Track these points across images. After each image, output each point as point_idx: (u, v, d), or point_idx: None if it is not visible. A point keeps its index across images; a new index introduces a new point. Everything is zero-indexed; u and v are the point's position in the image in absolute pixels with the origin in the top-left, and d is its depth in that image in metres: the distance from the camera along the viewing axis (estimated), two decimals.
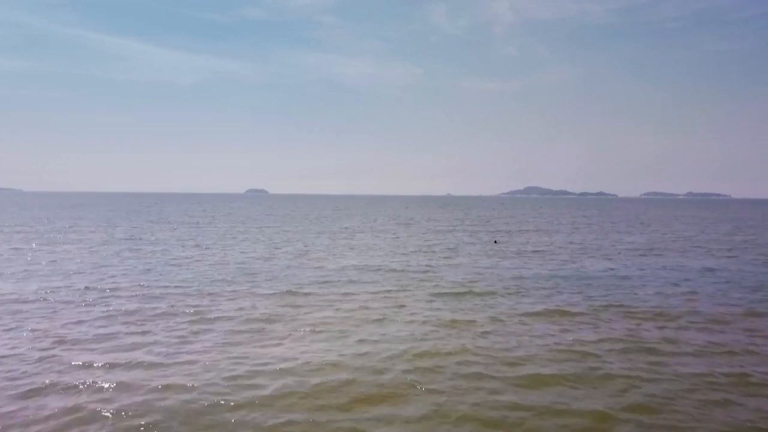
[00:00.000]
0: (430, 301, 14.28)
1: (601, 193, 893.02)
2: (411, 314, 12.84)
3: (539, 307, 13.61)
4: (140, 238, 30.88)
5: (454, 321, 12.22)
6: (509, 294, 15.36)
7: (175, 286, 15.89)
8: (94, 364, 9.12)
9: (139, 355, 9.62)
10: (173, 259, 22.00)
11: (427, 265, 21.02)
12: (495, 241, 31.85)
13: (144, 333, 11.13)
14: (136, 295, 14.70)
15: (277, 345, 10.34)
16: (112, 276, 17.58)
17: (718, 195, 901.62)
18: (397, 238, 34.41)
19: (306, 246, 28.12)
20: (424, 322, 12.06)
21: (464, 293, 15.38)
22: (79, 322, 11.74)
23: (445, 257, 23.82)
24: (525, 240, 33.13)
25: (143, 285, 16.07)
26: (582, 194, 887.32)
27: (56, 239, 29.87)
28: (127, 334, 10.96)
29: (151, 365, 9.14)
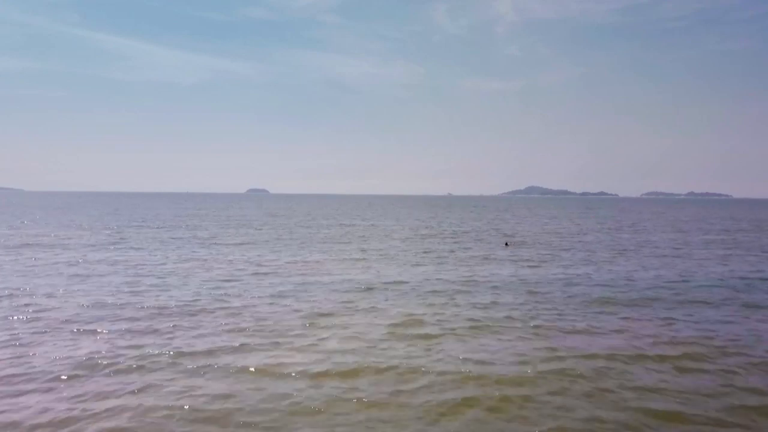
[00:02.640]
0: (472, 331, 11.72)
1: (602, 193, 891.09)
2: (447, 352, 10.29)
3: (606, 340, 11.07)
4: (123, 243, 28.32)
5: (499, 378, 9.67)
6: (569, 320, 12.80)
7: (155, 301, 13.38)
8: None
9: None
10: (155, 269, 19.48)
11: (465, 278, 18.45)
12: (506, 244, 30.32)
13: (112, 357, 8.66)
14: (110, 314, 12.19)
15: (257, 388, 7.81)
16: (79, 287, 15.07)
17: (719, 195, 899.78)
18: (415, 246, 31.87)
19: (311, 253, 25.55)
20: (473, 364, 9.52)
21: (511, 317, 12.84)
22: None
23: (470, 269, 21.26)
24: (557, 246, 30.57)
25: (118, 302, 13.57)
26: (583, 194, 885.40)
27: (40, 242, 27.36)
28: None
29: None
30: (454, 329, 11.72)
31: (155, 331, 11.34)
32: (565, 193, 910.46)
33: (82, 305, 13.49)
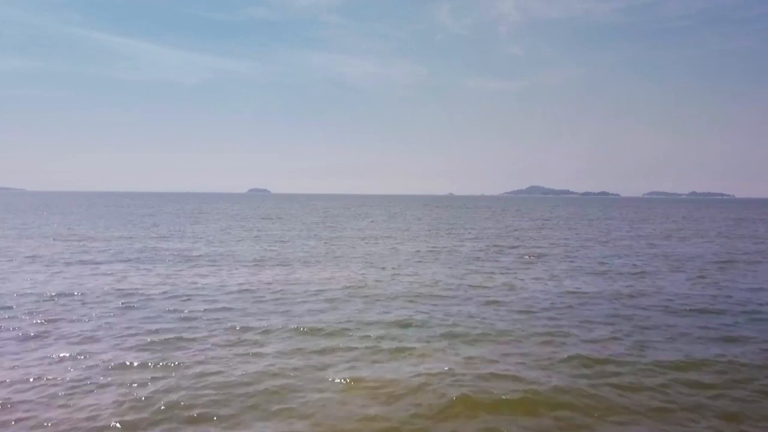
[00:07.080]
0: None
1: (603, 193, 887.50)
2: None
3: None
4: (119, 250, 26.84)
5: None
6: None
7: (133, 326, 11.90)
8: None
9: None
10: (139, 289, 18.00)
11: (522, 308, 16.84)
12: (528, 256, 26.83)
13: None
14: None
15: None
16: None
17: (721, 194, 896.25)
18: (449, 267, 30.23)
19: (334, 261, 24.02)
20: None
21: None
22: None
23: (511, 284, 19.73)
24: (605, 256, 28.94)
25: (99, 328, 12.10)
26: (585, 194, 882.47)
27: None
28: None
29: None
30: None
31: None
32: (567, 192, 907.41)
33: None
